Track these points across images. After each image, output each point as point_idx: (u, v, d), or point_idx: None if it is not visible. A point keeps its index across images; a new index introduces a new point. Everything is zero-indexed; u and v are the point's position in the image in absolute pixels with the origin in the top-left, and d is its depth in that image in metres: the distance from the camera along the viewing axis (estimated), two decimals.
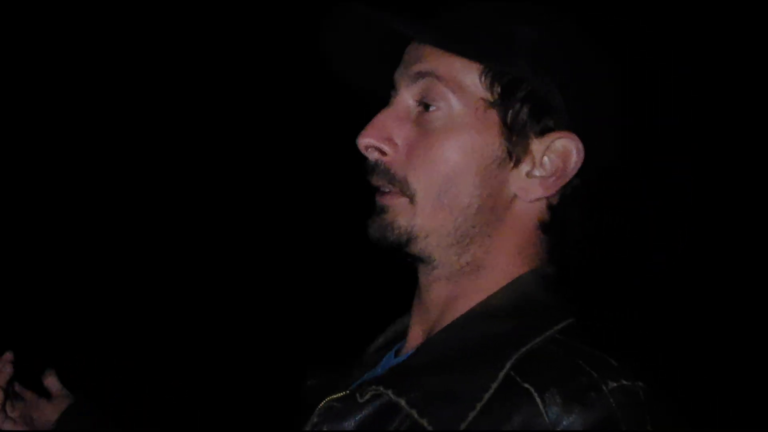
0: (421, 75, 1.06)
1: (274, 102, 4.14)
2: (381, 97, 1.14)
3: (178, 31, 4.02)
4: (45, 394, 1.51)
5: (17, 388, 1.48)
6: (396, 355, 1.19)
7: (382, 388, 1.00)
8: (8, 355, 1.46)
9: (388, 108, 1.10)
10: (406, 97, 1.09)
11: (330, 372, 1.25)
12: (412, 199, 1.06)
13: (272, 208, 4.20)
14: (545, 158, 1.06)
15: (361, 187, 1.12)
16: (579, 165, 1.05)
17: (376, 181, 1.09)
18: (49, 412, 1.49)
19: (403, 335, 1.20)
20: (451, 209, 1.05)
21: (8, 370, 1.45)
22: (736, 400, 3.48)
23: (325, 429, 1.03)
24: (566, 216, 1.09)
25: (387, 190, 1.08)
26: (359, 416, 1.01)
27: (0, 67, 3.86)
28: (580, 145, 1.05)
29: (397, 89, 1.10)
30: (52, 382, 1.53)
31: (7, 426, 1.45)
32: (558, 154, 1.06)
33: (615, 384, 0.93)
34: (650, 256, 3.69)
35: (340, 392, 1.06)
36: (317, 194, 4.05)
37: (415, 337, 1.14)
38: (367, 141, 1.09)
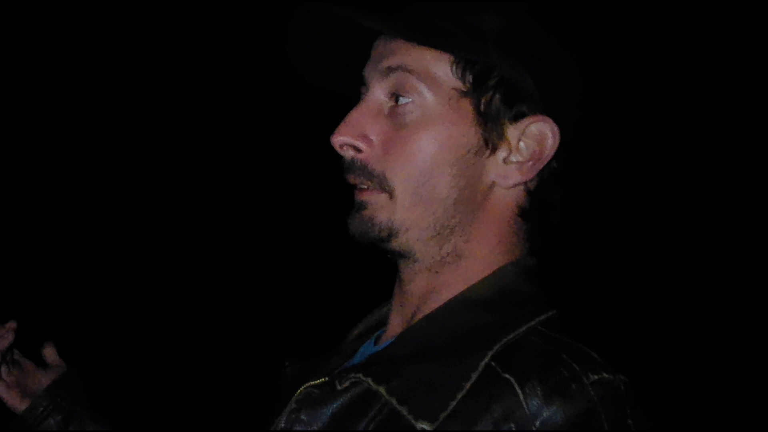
0: (391, 69, 1.06)
1: (248, 99, 4.13)
2: (350, 96, 1.13)
3: (167, 32, 4.00)
4: (45, 365, 1.55)
5: (16, 355, 1.52)
6: (376, 343, 1.18)
7: (361, 376, 0.99)
8: (12, 324, 1.49)
9: (360, 104, 1.09)
10: (378, 93, 1.08)
11: (307, 360, 1.24)
12: (391, 194, 1.06)
13: (249, 202, 4.20)
14: (521, 143, 1.06)
15: (337, 181, 1.11)
16: (555, 147, 1.05)
17: (354, 179, 1.08)
18: (43, 381, 1.52)
19: (382, 324, 1.20)
20: (430, 202, 1.05)
21: (10, 337, 1.48)
22: (724, 396, 3.50)
23: (302, 416, 1.02)
24: (546, 200, 1.09)
25: (365, 186, 1.07)
26: (337, 403, 1.00)
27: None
28: (555, 128, 1.05)
29: (368, 85, 1.09)
30: (49, 353, 1.55)
31: (1, 388, 1.49)
32: (534, 138, 1.05)
33: (596, 377, 0.93)
34: (636, 246, 3.70)
35: (318, 379, 1.05)
36: (294, 189, 4.05)
37: (395, 326, 1.13)
38: (341, 139, 1.08)
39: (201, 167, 4.23)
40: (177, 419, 3.46)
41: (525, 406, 0.91)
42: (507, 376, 0.94)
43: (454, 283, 1.07)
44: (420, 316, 1.07)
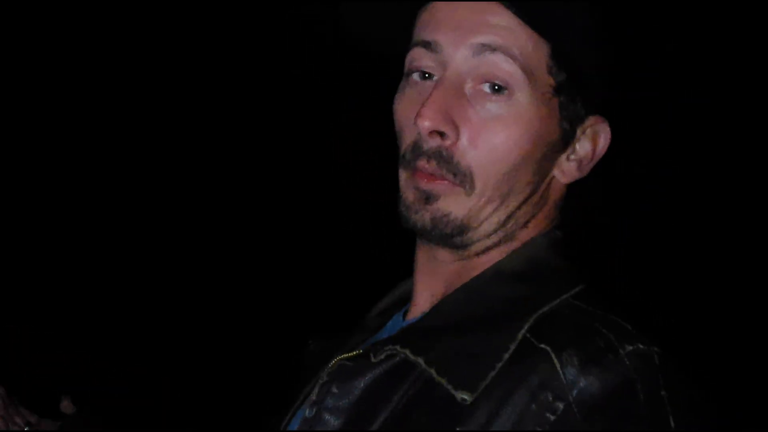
0: (488, 48, 0.98)
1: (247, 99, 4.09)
2: (395, 55, 1.06)
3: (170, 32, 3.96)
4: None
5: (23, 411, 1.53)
6: (404, 318, 1.17)
7: (398, 348, 0.99)
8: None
9: (443, 83, 1.00)
10: (464, 71, 0.99)
11: (332, 337, 1.23)
12: (471, 188, 1.01)
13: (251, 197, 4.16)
14: (583, 141, 1.07)
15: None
16: (606, 146, 1.07)
17: (431, 167, 1.00)
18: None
19: (406, 300, 1.19)
20: (508, 199, 1.04)
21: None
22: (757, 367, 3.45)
23: (334, 388, 1.02)
24: (582, 187, 1.11)
25: (439, 175, 1.01)
26: (371, 375, 1.01)
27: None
28: (608, 128, 1.07)
29: (448, 57, 1.00)
30: (67, 406, 1.56)
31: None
32: (590, 137, 1.07)
33: (631, 347, 0.93)
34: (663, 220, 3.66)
35: (350, 352, 1.06)
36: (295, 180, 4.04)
37: (424, 300, 1.12)
38: (429, 124, 0.98)
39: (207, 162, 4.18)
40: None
41: (562, 375, 0.91)
42: (543, 345, 0.94)
43: (494, 261, 1.07)
44: (452, 289, 1.07)
